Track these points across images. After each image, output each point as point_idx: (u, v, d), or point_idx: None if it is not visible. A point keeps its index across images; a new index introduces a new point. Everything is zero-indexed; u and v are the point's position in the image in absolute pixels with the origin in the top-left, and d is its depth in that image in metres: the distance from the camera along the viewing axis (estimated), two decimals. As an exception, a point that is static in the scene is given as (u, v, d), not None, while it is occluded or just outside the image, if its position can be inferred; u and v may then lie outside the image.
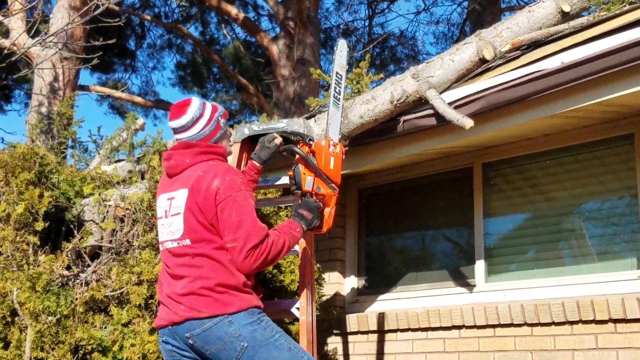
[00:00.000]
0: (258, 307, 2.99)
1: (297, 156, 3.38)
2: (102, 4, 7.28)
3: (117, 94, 12.39)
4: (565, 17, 4.08)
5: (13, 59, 7.32)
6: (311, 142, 3.41)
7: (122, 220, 4.48)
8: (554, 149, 4.54)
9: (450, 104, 4.09)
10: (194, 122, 3.13)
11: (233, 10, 12.71)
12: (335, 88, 3.68)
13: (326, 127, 3.58)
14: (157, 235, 3.31)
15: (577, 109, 3.78)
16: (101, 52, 7.96)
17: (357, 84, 5.51)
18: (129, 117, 6.09)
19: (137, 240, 4.27)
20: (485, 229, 4.81)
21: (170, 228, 3.04)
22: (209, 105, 3.20)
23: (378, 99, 4.34)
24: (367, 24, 15.63)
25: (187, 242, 2.98)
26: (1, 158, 4.39)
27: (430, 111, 4.21)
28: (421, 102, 4.28)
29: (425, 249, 5.33)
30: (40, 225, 4.18)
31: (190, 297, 2.92)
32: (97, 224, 4.49)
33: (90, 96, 12.48)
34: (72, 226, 4.45)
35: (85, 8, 7.77)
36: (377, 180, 5.41)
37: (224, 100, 16.32)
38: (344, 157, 3.50)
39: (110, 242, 4.40)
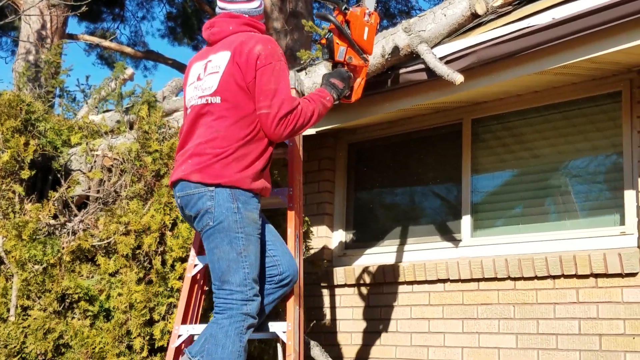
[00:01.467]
0: (251, 191, 3.03)
1: (331, 25, 3.35)
2: (91, -49, 7.12)
3: (106, 43, 12.21)
4: (559, -29, 4.03)
5: (-1, 5, 7.19)
6: (346, 11, 3.38)
7: (109, 171, 4.47)
8: (542, 105, 4.54)
9: (441, 58, 4.05)
10: None
11: (225, -41, 12.45)
12: None
13: None
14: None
15: (567, 66, 3.76)
16: (90, 0, 7.82)
17: (348, 37, 5.45)
18: (118, 67, 6.02)
19: (124, 191, 4.26)
20: (473, 185, 4.83)
21: (203, 86, 3.12)
22: None
23: (369, 52, 4.30)
24: (361, -23, 15.41)
25: (217, 100, 3.05)
26: (-14, 105, 4.36)
27: (422, 66, 4.17)
28: (412, 57, 4.24)
29: (414, 203, 5.36)
30: (26, 174, 4.17)
31: (194, 158, 3.02)
32: (85, 173, 4.49)
33: (79, 44, 12.30)
34: (59, 175, 4.44)
35: (74, -46, 7.62)
36: (367, 134, 5.41)
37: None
38: (378, 28, 3.46)
39: (98, 192, 4.40)
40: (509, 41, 3.82)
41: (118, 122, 5.34)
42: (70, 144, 4.72)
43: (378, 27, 3.47)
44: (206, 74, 3.13)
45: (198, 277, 3.42)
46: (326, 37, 3.36)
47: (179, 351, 3.26)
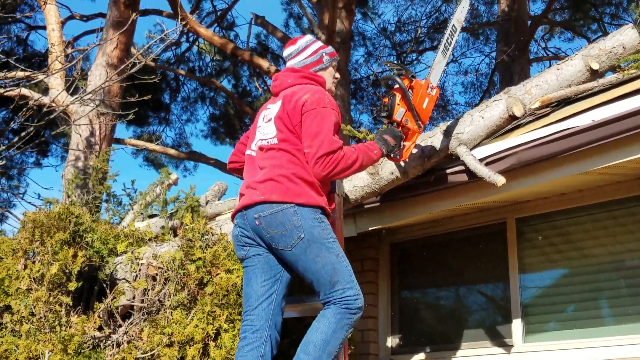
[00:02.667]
0: (324, 208, 3.29)
1: (397, 86, 3.62)
2: (139, 62, 7.42)
3: (152, 146, 12.60)
4: (594, 74, 4.05)
5: (52, 116, 7.49)
6: (413, 78, 3.67)
7: (154, 279, 4.49)
8: (588, 204, 4.46)
9: (481, 160, 4.06)
10: (299, 51, 3.65)
11: (265, 63, 12.91)
12: (447, 38, 3.94)
13: (430, 71, 3.82)
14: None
15: (610, 166, 3.73)
16: (136, 108, 8.10)
17: (387, 139, 5.51)
18: (163, 172, 6.16)
19: (168, 300, 4.26)
20: (522, 286, 4.70)
21: (264, 131, 3.47)
22: (318, 43, 3.70)
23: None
24: (397, 75, 15.75)
25: (275, 140, 3.38)
26: (37, 218, 4.46)
27: (462, 167, 4.18)
28: (452, 158, 4.25)
29: (461, 305, 5.23)
30: (73, 286, 4.21)
31: (267, 182, 3.28)
32: (130, 282, 4.51)
33: (125, 150, 12.70)
34: (104, 285, 4.47)
35: (123, 66, 7.95)
36: (409, 234, 5.36)
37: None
38: (437, 102, 3.75)
39: (142, 301, 4.40)
40: (549, 142, 3.82)
41: (162, 227, 5.41)
42: (116, 252, 4.78)
43: (437, 101, 3.80)
44: (265, 121, 3.51)
45: None
46: (388, 96, 3.64)
47: None
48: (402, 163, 4.25)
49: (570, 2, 15.99)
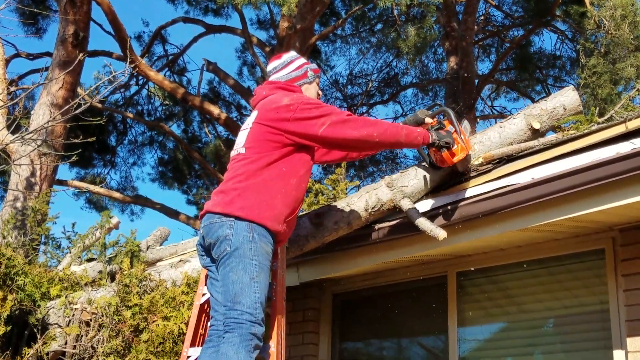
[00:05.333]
0: (267, 228, 3.28)
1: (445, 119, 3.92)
2: (85, 102, 7.30)
3: (95, 189, 12.36)
4: (536, 133, 4.15)
5: (-10, 154, 7.30)
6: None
7: (87, 325, 4.36)
8: (526, 260, 4.52)
9: (424, 213, 4.09)
10: (283, 65, 3.76)
11: (215, 110, 12.92)
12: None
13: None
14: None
15: (548, 224, 3.80)
16: (80, 150, 7.95)
17: (333, 190, 5.54)
18: (103, 216, 6.03)
19: (101, 347, 4.14)
20: (460, 338, 4.72)
21: (238, 140, 3.56)
22: (302, 59, 3.83)
23: (353, 206, 4.34)
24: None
25: (243, 150, 3.45)
26: (-34, 259, 4.31)
27: (404, 220, 4.20)
28: (395, 211, 4.27)
29: (401, 357, 5.22)
30: (1, 330, 4.05)
31: (219, 195, 3.38)
32: (62, 328, 4.36)
33: (67, 192, 12.44)
34: (35, 330, 4.32)
35: (67, 106, 7.83)
36: (352, 285, 5.35)
37: (204, 197, 16.33)
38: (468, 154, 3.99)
39: (74, 347, 4.26)
40: (490, 199, 3.88)
41: (100, 272, 5.27)
42: (49, 296, 4.63)
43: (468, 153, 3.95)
44: (241, 131, 3.59)
45: (205, 306, 3.66)
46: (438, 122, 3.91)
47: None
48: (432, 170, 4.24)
49: (516, 63, 16.55)
